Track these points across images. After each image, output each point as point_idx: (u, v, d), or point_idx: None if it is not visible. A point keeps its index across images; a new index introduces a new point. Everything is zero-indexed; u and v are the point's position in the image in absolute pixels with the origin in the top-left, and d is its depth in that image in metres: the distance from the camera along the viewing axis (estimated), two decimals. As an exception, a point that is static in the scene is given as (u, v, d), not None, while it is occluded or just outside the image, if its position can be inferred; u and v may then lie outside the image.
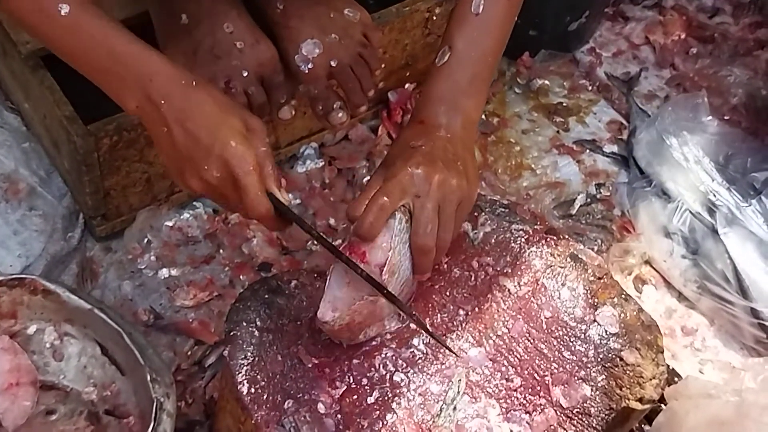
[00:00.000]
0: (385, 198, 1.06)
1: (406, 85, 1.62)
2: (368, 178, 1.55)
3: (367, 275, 1.05)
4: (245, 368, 1.10)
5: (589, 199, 1.60)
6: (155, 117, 1.01)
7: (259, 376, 1.10)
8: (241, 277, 1.42)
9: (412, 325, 1.17)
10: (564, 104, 1.75)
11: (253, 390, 1.09)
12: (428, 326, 1.14)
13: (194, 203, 1.48)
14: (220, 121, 1.01)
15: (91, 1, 1.02)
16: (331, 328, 1.08)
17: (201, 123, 1.00)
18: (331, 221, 1.50)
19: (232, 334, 1.12)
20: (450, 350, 1.13)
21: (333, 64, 1.28)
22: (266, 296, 1.16)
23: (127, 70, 1.01)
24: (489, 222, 1.25)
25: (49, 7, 1.00)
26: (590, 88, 1.79)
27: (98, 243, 1.44)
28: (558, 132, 1.71)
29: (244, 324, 1.13)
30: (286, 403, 1.08)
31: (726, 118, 1.71)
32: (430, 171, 1.07)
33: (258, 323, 1.14)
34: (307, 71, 1.27)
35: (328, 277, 1.09)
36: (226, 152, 0.99)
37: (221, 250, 1.45)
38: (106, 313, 1.19)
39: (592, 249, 1.49)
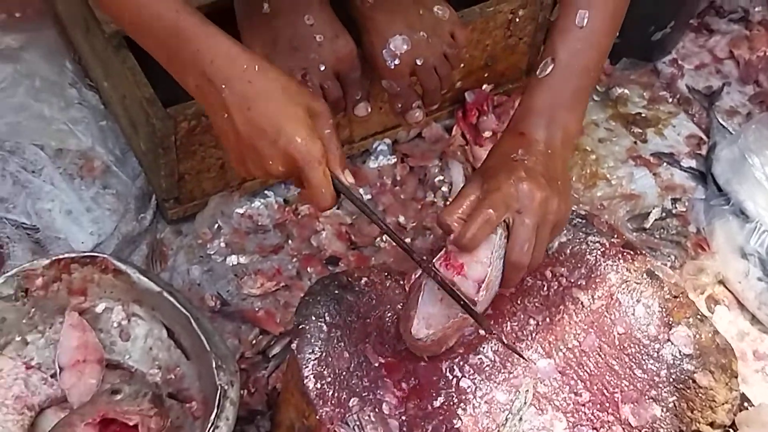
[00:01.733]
0: (491, 210, 1.03)
1: (484, 86, 1.60)
2: (440, 177, 1.55)
3: (453, 291, 1.03)
4: (312, 363, 1.09)
5: (664, 214, 1.56)
6: (215, 101, 0.98)
7: (325, 372, 1.09)
8: (308, 269, 1.41)
9: (482, 331, 1.15)
10: (643, 115, 1.72)
11: (319, 385, 1.08)
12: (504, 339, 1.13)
13: (266, 192, 1.48)
14: (284, 113, 0.98)
15: None
16: (424, 345, 1.06)
17: (264, 112, 0.97)
18: (401, 219, 1.48)
19: (300, 327, 1.12)
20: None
21: (419, 62, 1.27)
22: (336, 292, 1.15)
23: (188, 48, 0.98)
24: (565, 232, 1.23)
25: None
26: (670, 100, 1.75)
27: (169, 225, 1.44)
28: (635, 143, 1.67)
29: (313, 318, 1.13)
30: (351, 401, 1.08)
31: (809, 138, 1.67)
32: (535, 188, 1.05)
33: (327, 318, 1.13)
34: (393, 67, 1.26)
35: (421, 292, 1.06)
36: (291, 148, 0.97)
37: (290, 241, 1.44)
38: (175, 297, 1.19)
39: (665, 265, 1.46)
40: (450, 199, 1.51)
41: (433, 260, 1.06)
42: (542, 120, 1.11)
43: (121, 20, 1.04)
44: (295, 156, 0.98)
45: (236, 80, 0.97)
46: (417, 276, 1.08)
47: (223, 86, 0.97)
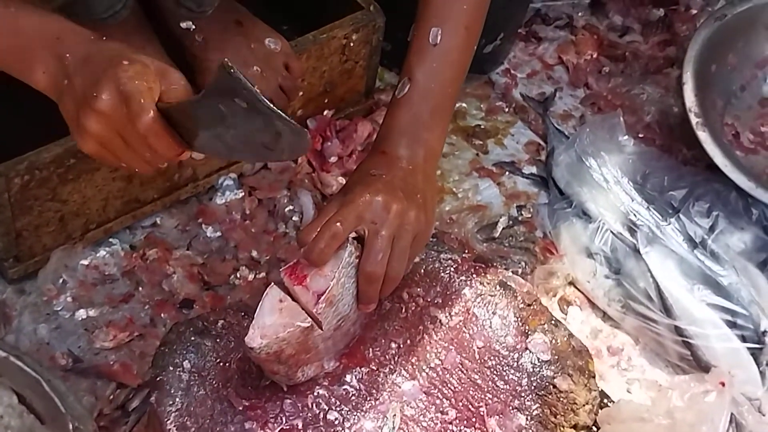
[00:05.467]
0: (339, 224, 1.04)
1: (325, 112, 1.60)
2: (290, 207, 1.53)
3: None
4: (174, 414, 1.07)
5: (511, 222, 1.60)
6: (60, 74, 0.94)
7: (188, 422, 1.07)
8: (162, 315, 1.37)
9: (345, 360, 1.15)
10: (482, 126, 1.75)
11: (182, 437, 1.05)
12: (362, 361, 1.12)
13: (110, 240, 1.43)
14: (118, 55, 0.93)
15: None
16: (257, 356, 1.05)
17: (101, 60, 0.92)
18: (254, 253, 1.46)
19: (158, 379, 1.09)
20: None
21: (255, 97, 1.26)
22: (192, 338, 1.13)
23: (32, 37, 0.95)
24: (417, 252, 1.24)
25: None
26: (507, 109, 1.80)
27: (10, 285, 1.38)
28: (477, 155, 1.71)
29: (171, 368, 1.10)
30: (218, 448, 1.06)
31: (641, 136, 1.74)
32: (389, 200, 1.06)
33: (185, 366, 1.11)
34: (228, 105, 1.24)
35: (261, 301, 1.06)
36: (116, 69, 0.91)
37: (140, 288, 1.40)
38: (23, 360, 1.14)
39: (517, 272, 1.49)
40: (302, 228, 1.51)
41: (280, 269, 1.07)
42: (404, 139, 1.12)
43: None
44: (118, 74, 0.90)
45: (80, 45, 0.94)
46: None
47: (68, 54, 0.94)
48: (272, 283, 1.07)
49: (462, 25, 1.16)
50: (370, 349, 1.17)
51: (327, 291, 1.04)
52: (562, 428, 1.15)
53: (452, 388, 1.16)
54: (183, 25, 1.24)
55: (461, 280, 1.24)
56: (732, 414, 1.24)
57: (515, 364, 1.19)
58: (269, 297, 1.06)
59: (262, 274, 1.42)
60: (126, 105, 0.90)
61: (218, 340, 1.14)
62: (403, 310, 1.20)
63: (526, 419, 1.15)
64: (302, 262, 1.06)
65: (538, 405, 1.16)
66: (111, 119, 0.92)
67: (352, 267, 1.06)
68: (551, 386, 1.17)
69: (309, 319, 1.04)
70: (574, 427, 1.16)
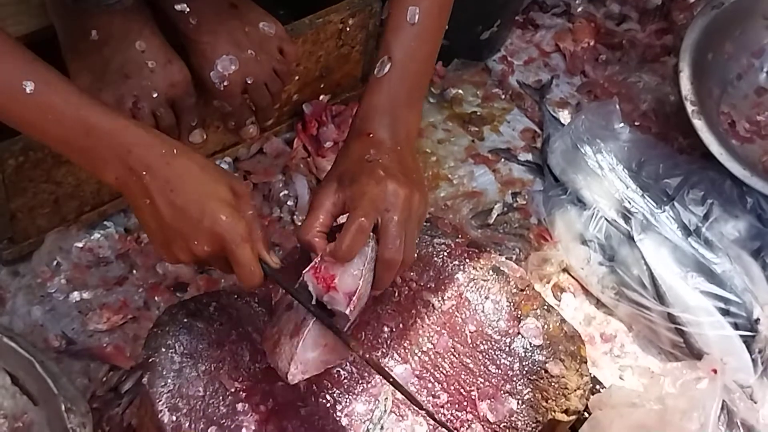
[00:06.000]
0: (363, 219, 1.03)
1: (321, 97, 1.60)
2: (284, 192, 1.53)
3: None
4: (165, 395, 1.07)
5: (505, 208, 1.60)
6: (137, 189, 0.98)
7: (180, 403, 1.07)
8: (156, 298, 1.37)
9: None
10: (478, 113, 1.75)
11: (174, 418, 1.06)
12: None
13: (105, 222, 1.43)
14: (207, 192, 0.99)
15: (53, 71, 0.98)
16: (291, 383, 1.05)
17: (187, 195, 0.98)
18: (248, 237, 1.46)
19: (150, 360, 1.09)
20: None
21: (249, 81, 1.26)
22: (185, 320, 1.13)
23: (103, 143, 0.97)
24: (411, 236, 1.24)
25: (13, 87, 0.95)
26: (503, 96, 1.80)
27: (5, 267, 1.38)
28: (473, 141, 1.71)
29: (163, 350, 1.10)
30: (209, 429, 1.06)
31: (636, 124, 1.74)
32: (396, 186, 1.05)
33: (177, 348, 1.11)
34: (222, 89, 1.25)
35: (303, 336, 1.03)
36: (216, 227, 0.98)
37: (134, 271, 1.40)
38: (16, 342, 1.15)
39: (511, 258, 1.49)
40: (297, 213, 1.51)
41: (303, 271, 1.05)
42: (386, 119, 1.12)
43: (23, 126, 0.99)
44: (221, 234, 0.98)
45: (156, 165, 0.98)
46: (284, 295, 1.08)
47: (144, 173, 0.97)
48: (315, 319, 1.03)
49: (435, 4, 1.16)
50: (363, 333, 1.17)
51: (357, 290, 1.03)
52: (553, 413, 1.15)
53: (444, 372, 1.16)
54: (177, 7, 1.23)
55: (454, 265, 1.24)
56: (723, 401, 1.24)
57: (507, 348, 1.19)
58: (312, 333, 1.03)
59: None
60: (235, 266, 1.00)
61: (211, 323, 1.14)
62: (396, 294, 1.20)
63: (518, 403, 1.15)
64: (326, 260, 1.04)
65: (529, 389, 1.16)
66: (206, 261, 1.01)
67: (372, 259, 1.06)
68: (543, 371, 1.18)
69: (349, 351, 1.04)
70: (566, 411, 1.16)
